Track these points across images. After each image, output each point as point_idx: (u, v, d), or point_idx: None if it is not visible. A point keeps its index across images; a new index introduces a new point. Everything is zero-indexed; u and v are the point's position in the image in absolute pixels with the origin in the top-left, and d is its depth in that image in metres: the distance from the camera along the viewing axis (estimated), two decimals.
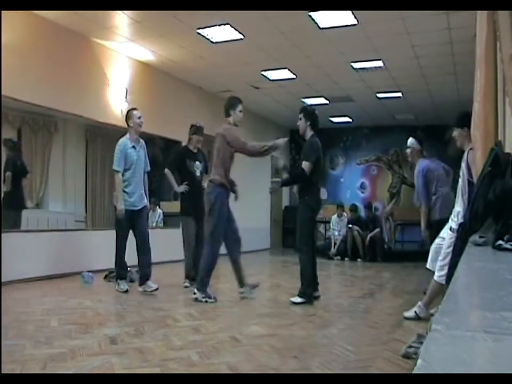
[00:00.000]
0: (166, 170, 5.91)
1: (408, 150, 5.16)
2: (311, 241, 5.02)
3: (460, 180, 3.65)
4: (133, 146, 5.33)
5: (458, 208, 3.62)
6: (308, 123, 4.99)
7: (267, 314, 4.34)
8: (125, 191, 5.29)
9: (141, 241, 5.42)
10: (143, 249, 5.44)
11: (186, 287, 5.69)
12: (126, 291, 5.32)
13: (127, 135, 5.37)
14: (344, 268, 9.06)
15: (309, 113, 5.07)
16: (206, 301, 4.76)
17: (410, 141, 5.13)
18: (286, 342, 3.36)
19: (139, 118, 5.36)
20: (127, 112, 5.51)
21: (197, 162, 5.96)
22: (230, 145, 4.87)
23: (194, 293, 4.86)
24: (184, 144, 6.59)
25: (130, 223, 5.35)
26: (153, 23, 6.42)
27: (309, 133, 5.00)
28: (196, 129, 6.01)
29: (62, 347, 3.11)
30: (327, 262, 9.34)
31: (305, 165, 4.81)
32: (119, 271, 5.51)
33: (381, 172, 13.28)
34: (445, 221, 4.80)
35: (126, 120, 5.41)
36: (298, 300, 4.76)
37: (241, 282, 5.13)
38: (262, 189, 12.58)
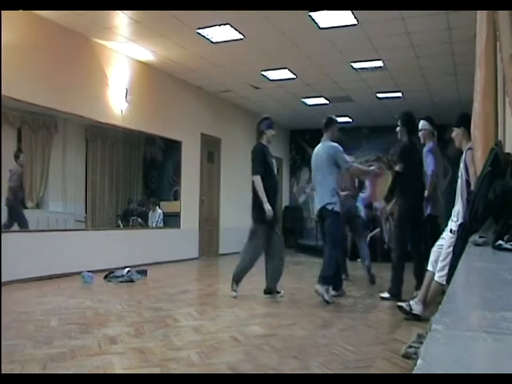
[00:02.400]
0: (256, 178, 5.11)
1: (420, 133, 5.33)
2: (403, 243, 5.12)
3: (459, 180, 3.67)
4: None
5: (458, 208, 3.63)
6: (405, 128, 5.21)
7: (267, 314, 4.34)
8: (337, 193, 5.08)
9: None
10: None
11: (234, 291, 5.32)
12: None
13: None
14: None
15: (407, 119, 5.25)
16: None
17: (422, 123, 5.35)
18: (286, 342, 3.36)
19: None
20: (332, 119, 5.40)
21: (273, 160, 5.40)
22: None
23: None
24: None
25: None
26: (153, 23, 6.42)
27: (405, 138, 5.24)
28: (270, 122, 5.39)
29: (62, 347, 3.11)
30: None
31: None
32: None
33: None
34: (435, 217, 4.95)
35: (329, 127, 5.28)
36: (386, 295, 4.93)
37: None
38: None
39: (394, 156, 5.20)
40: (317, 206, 5.17)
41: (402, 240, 5.17)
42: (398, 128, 5.29)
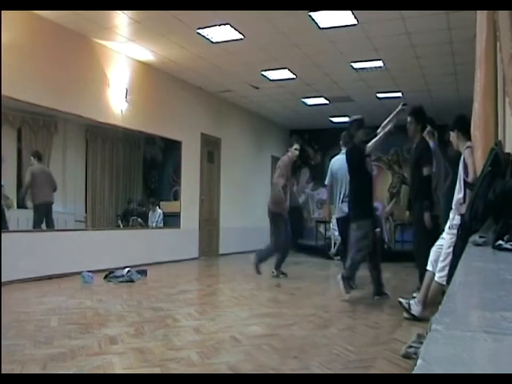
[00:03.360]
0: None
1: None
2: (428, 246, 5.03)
3: (458, 182, 3.69)
4: None
5: (454, 205, 3.67)
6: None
7: (267, 314, 4.34)
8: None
9: None
10: None
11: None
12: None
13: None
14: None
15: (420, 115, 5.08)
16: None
17: None
18: (286, 342, 3.36)
19: None
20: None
21: (369, 160, 5.50)
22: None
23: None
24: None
25: None
26: (153, 23, 6.42)
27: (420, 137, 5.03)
28: (360, 123, 5.52)
29: (62, 347, 3.11)
30: (327, 262, 9.34)
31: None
32: None
33: (381, 172, 13.28)
34: (435, 217, 4.90)
35: None
36: None
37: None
38: (262, 189, 12.60)
39: (422, 159, 4.89)
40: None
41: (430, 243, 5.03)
42: (410, 126, 5.00)
